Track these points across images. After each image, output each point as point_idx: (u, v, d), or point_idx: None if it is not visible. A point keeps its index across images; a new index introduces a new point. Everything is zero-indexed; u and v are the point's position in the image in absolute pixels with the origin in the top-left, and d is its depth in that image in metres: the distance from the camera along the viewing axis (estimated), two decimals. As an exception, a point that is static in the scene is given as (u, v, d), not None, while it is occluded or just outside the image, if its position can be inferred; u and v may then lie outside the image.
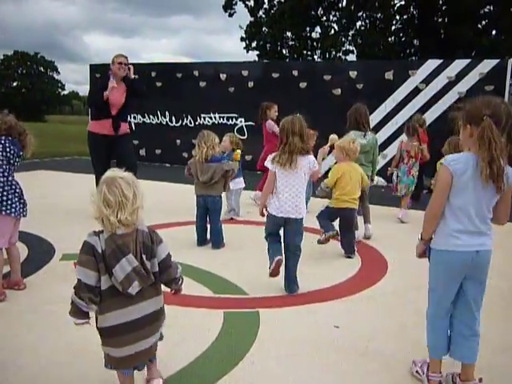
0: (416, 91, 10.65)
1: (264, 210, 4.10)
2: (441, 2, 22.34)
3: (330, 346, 3.12)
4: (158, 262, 2.30)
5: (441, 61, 10.58)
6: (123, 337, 2.23)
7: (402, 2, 24.09)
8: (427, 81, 10.53)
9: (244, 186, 6.89)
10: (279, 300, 3.90)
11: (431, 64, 10.57)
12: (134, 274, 2.17)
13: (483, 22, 22.84)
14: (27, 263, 4.48)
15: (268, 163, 3.95)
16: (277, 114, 7.74)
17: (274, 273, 3.99)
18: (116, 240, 2.18)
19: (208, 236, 5.46)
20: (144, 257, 2.23)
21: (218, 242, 5.35)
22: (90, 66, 14.39)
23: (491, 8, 21.94)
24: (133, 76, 6.58)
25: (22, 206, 3.81)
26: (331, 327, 3.41)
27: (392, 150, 9.14)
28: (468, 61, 10.51)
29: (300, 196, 3.91)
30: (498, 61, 10.08)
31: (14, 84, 69.31)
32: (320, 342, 3.18)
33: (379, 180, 9.16)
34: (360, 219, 5.82)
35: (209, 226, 5.44)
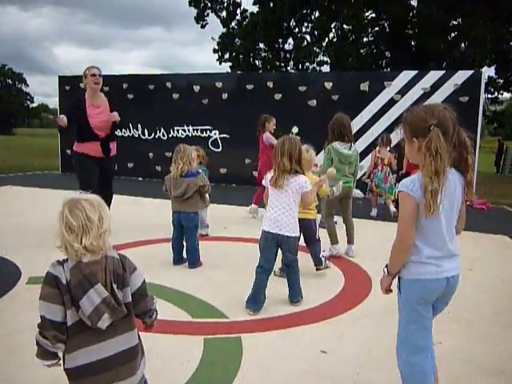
0: (391, 102, 10.65)
1: None
2: (411, 15, 22.65)
3: (320, 376, 2.91)
4: (132, 291, 2.07)
5: (415, 72, 10.62)
6: (94, 378, 1.98)
7: (373, 15, 24.38)
8: (402, 92, 10.54)
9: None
10: (262, 324, 3.68)
11: (406, 75, 10.59)
12: (103, 306, 1.94)
13: (453, 34, 23.24)
14: (-11, 288, 4.17)
15: (264, 180, 4.13)
16: (275, 127, 7.63)
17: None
18: (82, 269, 1.94)
19: (184, 254, 5.22)
20: (115, 286, 1.99)
21: (194, 260, 5.11)
22: (59, 77, 14.01)
23: (460, 21, 22.35)
24: (118, 119, 6.13)
25: None
26: (318, 352, 3.21)
27: (368, 162, 9.05)
28: (443, 72, 10.57)
29: (288, 214, 3.94)
30: (472, 72, 10.17)
31: (-19, 96, 67.88)
32: (308, 370, 2.97)
33: (356, 192, 9.15)
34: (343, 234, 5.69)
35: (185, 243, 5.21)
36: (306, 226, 4.93)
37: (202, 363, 3.01)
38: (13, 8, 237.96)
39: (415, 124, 2.21)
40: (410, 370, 2.35)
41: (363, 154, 10.58)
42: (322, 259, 5.01)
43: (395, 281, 2.40)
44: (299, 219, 4.94)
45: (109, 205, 5.95)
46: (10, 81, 70.28)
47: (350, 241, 5.81)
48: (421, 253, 2.23)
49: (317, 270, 4.91)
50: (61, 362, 2.01)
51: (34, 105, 79.16)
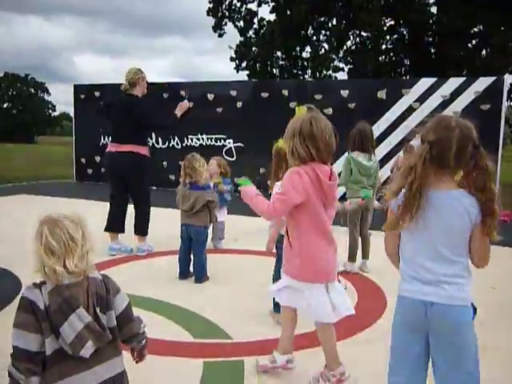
0: (410, 110, 10.36)
1: None
2: (431, 22, 22.32)
3: (326, 407, 2.68)
4: (117, 315, 1.89)
5: (435, 79, 10.32)
6: None
7: (392, 22, 24.10)
8: (421, 100, 10.25)
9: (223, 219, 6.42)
10: (267, 345, 3.44)
11: (425, 82, 10.30)
12: (86, 332, 1.76)
13: (473, 42, 22.85)
14: (-13, 303, 4.03)
15: None
16: None
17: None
18: (62, 292, 1.77)
19: (191, 268, 5.02)
20: (98, 310, 1.82)
21: (200, 276, 4.91)
22: (75, 86, 14.04)
23: (481, 27, 21.95)
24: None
25: None
26: (326, 380, 2.97)
27: (386, 171, 8.78)
28: (463, 79, 10.26)
29: None
30: (493, 78, 9.82)
31: (5, 106, 69.12)
32: (313, 401, 2.74)
33: (376, 204, 8.94)
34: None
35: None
36: None
37: (199, 390, 2.80)
38: (35, 18, 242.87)
39: (421, 136, 2.04)
40: None
41: (380, 164, 10.31)
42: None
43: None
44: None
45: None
46: (32, 90, 71.41)
47: (365, 256, 5.55)
48: (400, 267, 2.13)
49: None
50: None
51: (56, 113, 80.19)
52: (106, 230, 5.89)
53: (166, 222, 7.81)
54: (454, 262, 1.99)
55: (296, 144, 2.71)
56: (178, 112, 6.03)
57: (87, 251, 1.83)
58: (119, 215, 5.95)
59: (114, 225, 5.94)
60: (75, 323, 1.75)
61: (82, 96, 13.43)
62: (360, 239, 5.55)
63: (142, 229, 5.92)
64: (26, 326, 1.73)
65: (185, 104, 6.07)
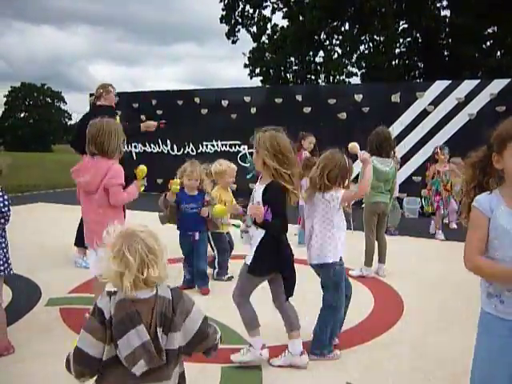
0: (424, 114, 10.30)
1: None
2: (444, 24, 22.22)
3: (343, 412, 2.69)
4: (188, 339, 1.87)
5: (449, 82, 10.25)
6: None
7: (405, 25, 24.03)
8: (435, 103, 10.19)
9: None
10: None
11: (439, 85, 10.24)
12: (141, 351, 1.75)
13: (488, 43, 22.67)
14: (8, 310, 4.08)
15: None
16: (312, 145, 7.40)
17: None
18: (128, 305, 1.78)
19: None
20: (159, 330, 1.80)
21: (202, 284, 4.90)
22: (90, 95, 14.20)
23: (495, 29, 21.79)
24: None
25: (7, 262, 3.42)
26: (343, 384, 2.98)
27: (400, 176, 8.73)
28: (477, 81, 10.17)
29: None
30: (509, 80, 9.72)
31: (22, 115, 70.04)
32: (331, 405, 2.75)
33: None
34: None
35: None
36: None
37: (218, 396, 2.83)
38: (49, 27, 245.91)
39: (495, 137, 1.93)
40: None
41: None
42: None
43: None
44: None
45: None
46: (49, 99, 72.27)
47: (382, 260, 5.53)
48: None
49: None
50: None
51: (72, 122, 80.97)
52: None
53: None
54: None
55: None
56: (143, 127, 6.07)
57: (165, 264, 1.83)
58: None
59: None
60: (133, 339, 1.75)
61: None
62: (376, 243, 5.54)
63: None
64: (91, 330, 1.78)
65: (152, 125, 6.06)
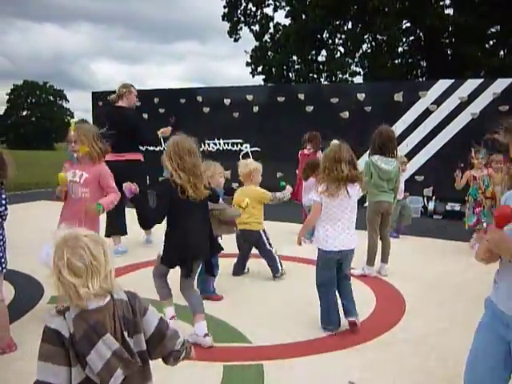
0: (427, 113, 10.28)
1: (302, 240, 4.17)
2: (447, 23, 22.16)
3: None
4: (147, 338, 1.79)
5: (452, 81, 10.22)
6: None
7: (408, 24, 23.97)
8: (438, 102, 10.16)
9: None
10: (287, 349, 3.47)
11: (442, 84, 10.21)
12: (115, 360, 1.64)
13: (491, 42, 22.61)
14: (10, 308, 4.08)
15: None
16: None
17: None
18: (88, 318, 1.65)
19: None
20: (125, 334, 1.71)
21: (204, 289, 4.73)
22: (93, 93, 14.24)
23: (498, 28, 21.73)
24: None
25: (5, 259, 3.46)
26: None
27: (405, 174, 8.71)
28: (480, 80, 10.14)
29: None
30: (512, 79, 9.71)
31: (24, 113, 70.12)
32: (333, 405, 2.75)
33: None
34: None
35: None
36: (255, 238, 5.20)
37: (220, 394, 2.83)
38: (51, 26, 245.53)
39: None
40: None
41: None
42: (279, 267, 5.13)
43: None
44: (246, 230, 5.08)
45: None
46: (51, 97, 72.32)
47: (385, 260, 5.52)
48: None
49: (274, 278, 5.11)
50: None
51: (75, 120, 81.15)
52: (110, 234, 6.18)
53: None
54: None
55: None
56: (160, 134, 6.55)
57: (110, 270, 1.71)
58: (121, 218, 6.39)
59: (117, 228, 6.32)
60: (103, 351, 1.63)
61: (100, 103, 13.58)
62: (380, 243, 5.53)
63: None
64: (52, 358, 1.62)
65: (167, 130, 6.45)
